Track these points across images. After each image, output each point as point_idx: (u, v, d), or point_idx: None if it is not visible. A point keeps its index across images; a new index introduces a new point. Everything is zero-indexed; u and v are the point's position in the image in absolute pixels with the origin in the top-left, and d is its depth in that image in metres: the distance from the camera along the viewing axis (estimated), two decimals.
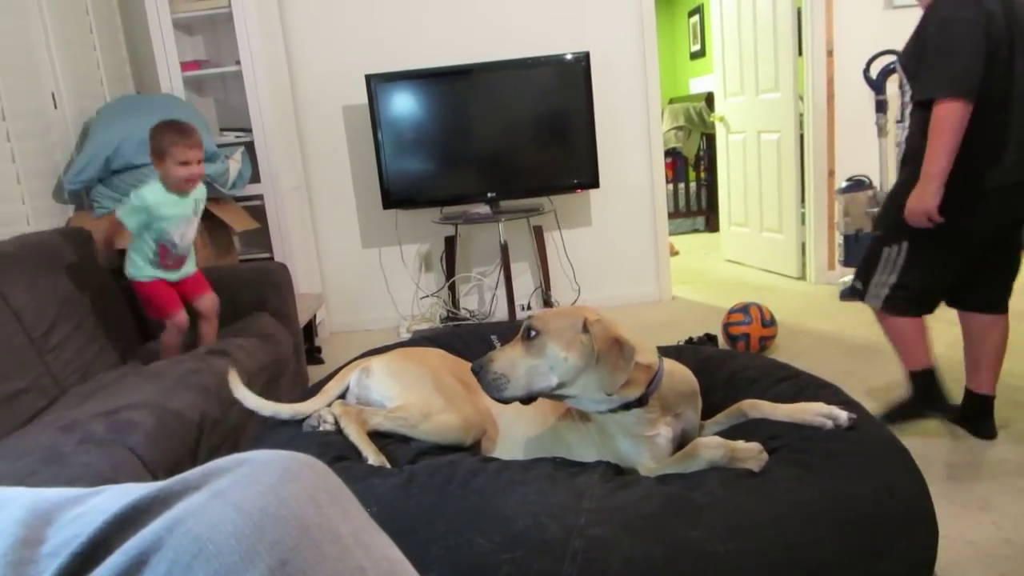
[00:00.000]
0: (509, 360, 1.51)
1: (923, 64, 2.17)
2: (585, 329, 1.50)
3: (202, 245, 3.22)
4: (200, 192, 2.60)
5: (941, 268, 2.31)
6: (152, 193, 2.45)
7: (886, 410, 2.52)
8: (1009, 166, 2.15)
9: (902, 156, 2.40)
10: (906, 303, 2.36)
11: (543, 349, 1.50)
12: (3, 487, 0.58)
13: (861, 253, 3.81)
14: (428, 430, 1.69)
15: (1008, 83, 2.12)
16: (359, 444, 1.66)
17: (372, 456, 1.62)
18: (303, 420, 1.78)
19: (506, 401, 1.54)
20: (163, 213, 2.46)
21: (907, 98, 2.31)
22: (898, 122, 2.48)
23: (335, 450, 1.64)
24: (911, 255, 2.30)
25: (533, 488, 1.42)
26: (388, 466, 1.61)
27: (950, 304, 2.45)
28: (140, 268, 2.55)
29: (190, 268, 2.69)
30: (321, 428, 1.74)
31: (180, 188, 2.46)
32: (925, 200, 2.14)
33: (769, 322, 3.38)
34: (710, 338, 3.50)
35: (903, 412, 2.48)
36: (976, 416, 2.42)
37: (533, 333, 1.51)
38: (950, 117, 2.08)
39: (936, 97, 2.10)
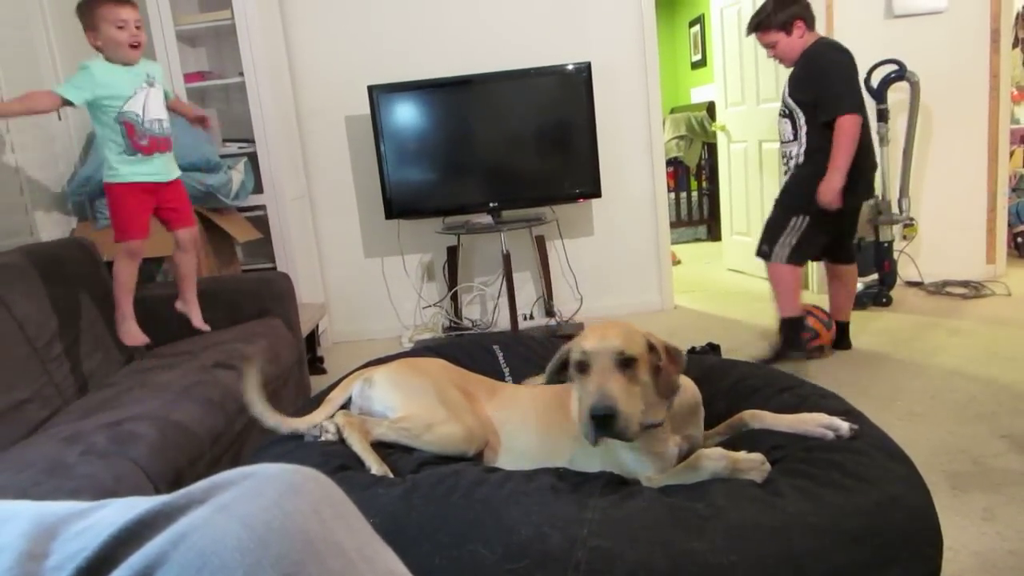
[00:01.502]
0: (627, 398, 1.40)
1: (826, 92, 3.03)
2: (650, 349, 1.49)
3: (205, 255, 3.23)
4: (151, 67, 2.40)
5: (824, 233, 3.17)
6: (96, 63, 2.27)
7: (766, 357, 3.18)
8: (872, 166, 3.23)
9: (802, 156, 3.16)
10: (799, 256, 3.17)
11: (638, 377, 1.44)
12: (7, 500, 0.58)
13: (863, 261, 3.88)
14: (431, 441, 1.69)
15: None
16: (362, 454, 1.66)
17: (375, 466, 1.62)
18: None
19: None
20: (111, 84, 2.26)
21: (801, 121, 3.14)
22: (784, 142, 3.30)
23: (338, 460, 1.63)
24: (810, 224, 3.11)
25: (536, 499, 1.42)
26: (391, 475, 1.61)
27: (831, 261, 3.42)
28: (113, 164, 2.32)
29: (172, 167, 2.46)
30: (323, 438, 1.74)
31: (125, 54, 2.27)
32: (836, 187, 2.98)
33: (829, 323, 3.40)
34: (712, 347, 3.49)
35: (776, 358, 3.15)
36: (841, 337, 3.43)
37: (630, 362, 1.43)
38: (855, 127, 2.98)
39: (841, 114, 2.96)
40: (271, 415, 1.80)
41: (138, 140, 2.31)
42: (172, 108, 2.51)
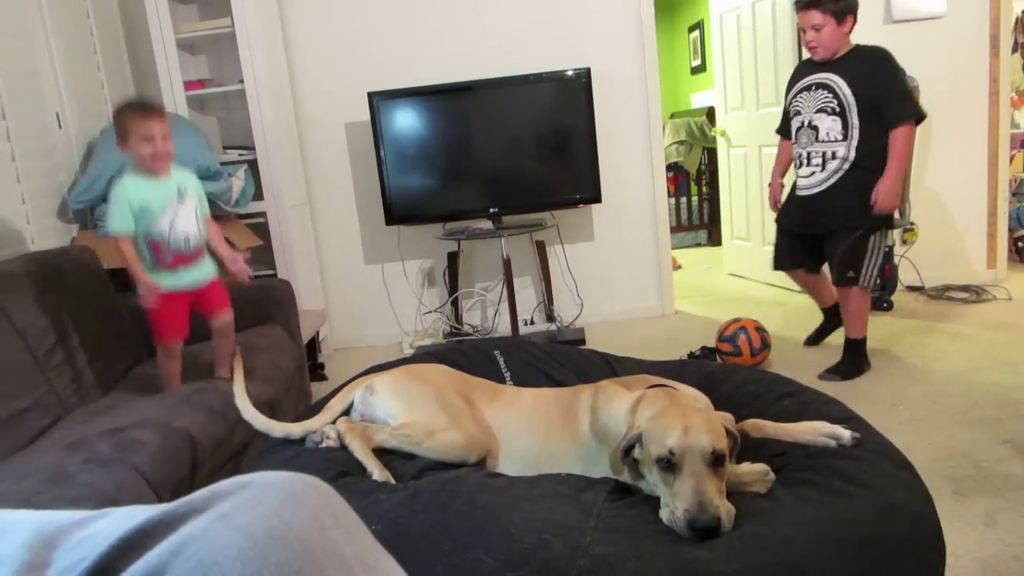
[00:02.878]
0: (722, 499, 1.35)
1: (895, 96, 2.98)
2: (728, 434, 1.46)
3: None
4: (184, 178, 2.43)
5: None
6: (127, 180, 2.31)
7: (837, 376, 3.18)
8: None
9: (853, 155, 3.02)
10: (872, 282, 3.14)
11: (727, 469, 1.41)
12: (8, 510, 0.58)
13: None
14: (432, 448, 1.69)
15: None
16: (364, 460, 1.66)
17: (377, 472, 1.62)
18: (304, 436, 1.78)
19: None
20: (143, 201, 2.29)
21: (855, 120, 3.00)
22: (827, 141, 3.09)
23: (339, 466, 1.63)
24: (881, 240, 3.11)
25: (539, 505, 1.41)
26: (393, 481, 1.60)
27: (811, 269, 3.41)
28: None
29: (204, 272, 2.49)
30: (324, 444, 1.74)
31: (150, 168, 2.31)
32: (898, 189, 3.00)
33: (758, 349, 3.35)
34: (712, 351, 3.49)
35: (850, 375, 3.17)
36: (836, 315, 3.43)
37: (721, 460, 1.39)
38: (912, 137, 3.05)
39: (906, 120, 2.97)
40: (262, 419, 1.80)
41: (164, 257, 2.35)
42: (209, 230, 2.53)
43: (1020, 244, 4.92)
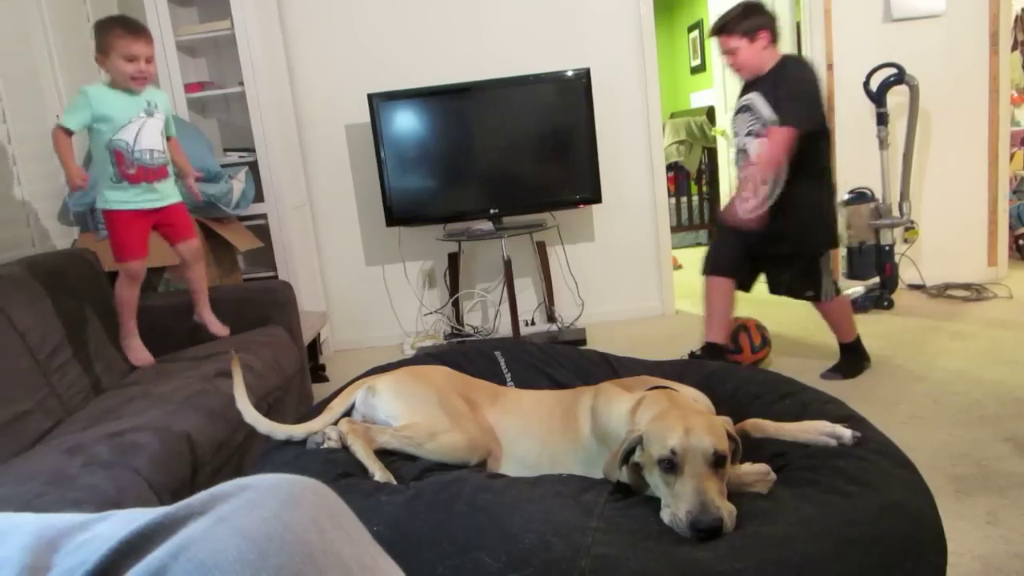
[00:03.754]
0: (723, 500, 1.35)
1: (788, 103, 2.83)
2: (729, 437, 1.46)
3: (206, 264, 3.23)
4: (156, 95, 2.40)
5: None
6: (94, 88, 2.27)
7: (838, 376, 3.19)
8: None
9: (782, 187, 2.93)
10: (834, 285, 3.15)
11: (727, 471, 1.41)
12: (9, 513, 0.58)
13: (865, 265, 3.88)
14: (434, 449, 1.69)
15: None
16: (365, 461, 1.66)
17: (379, 473, 1.62)
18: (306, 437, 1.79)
19: None
20: (107, 111, 2.25)
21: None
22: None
23: (340, 467, 1.63)
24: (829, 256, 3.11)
25: (540, 506, 1.41)
26: (395, 482, 1.61)
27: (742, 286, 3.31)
28: (102, 191, 2.35)
29: (168, 192, 2.44)
30: (326, 445, 1.74)
31: (127, 85, 2.27)
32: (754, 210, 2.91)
33: (759, 346, 3.36)
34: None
35: (852, 374, 3.18)
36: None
37: (723, 461, 1.39)
38: (790, 141, 2.79)
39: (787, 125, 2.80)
40: (264, 421, 1.80)
41: (126, 168, 2.30)
42: (173, 149, 2.52)
43: (1021, 242, 4.92)
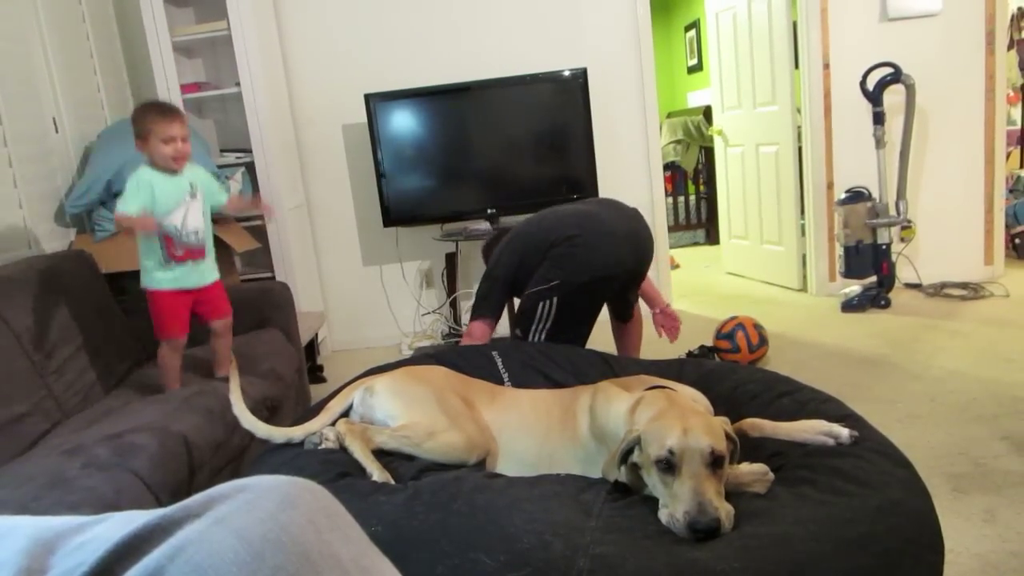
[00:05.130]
0: (721, 501, 1.35)
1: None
2: (727, 438, 1.46)
3: None
4: (197, 175, 2.48)
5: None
6: (145, 172, 2.36)
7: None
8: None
9: None
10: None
11: (725, 471, 1.41)
12: (6, 516, 0.58)
13: (862, 264, 3.91)
14: (432, 449, 1.69)
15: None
16: (364, 461, 1.66)
17: (377, 472, 1.62)
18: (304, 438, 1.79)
19: None
20: (158, 195, 2.35)
21: None
22: None
23: (338, 467, 1.63)
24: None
25: (538, 506, 1.41)
26: (393, 482, 1.60)
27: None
28: (150, 272, 2.41)
29: (209, 272, 2.53)
30: (323, 445, 1.74)
31: (168, 166, 2.36)
32: None
33: (757, 345, 3.36)
34: (710, 350, 3.50)
35: None
36: None
37: (720, 461, 1.38)
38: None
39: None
40: (261, 426, 1.80)
41: (174, 251, 2.40)
42: (231, 207, 2.69)
43: (1017, 240, 4.92)
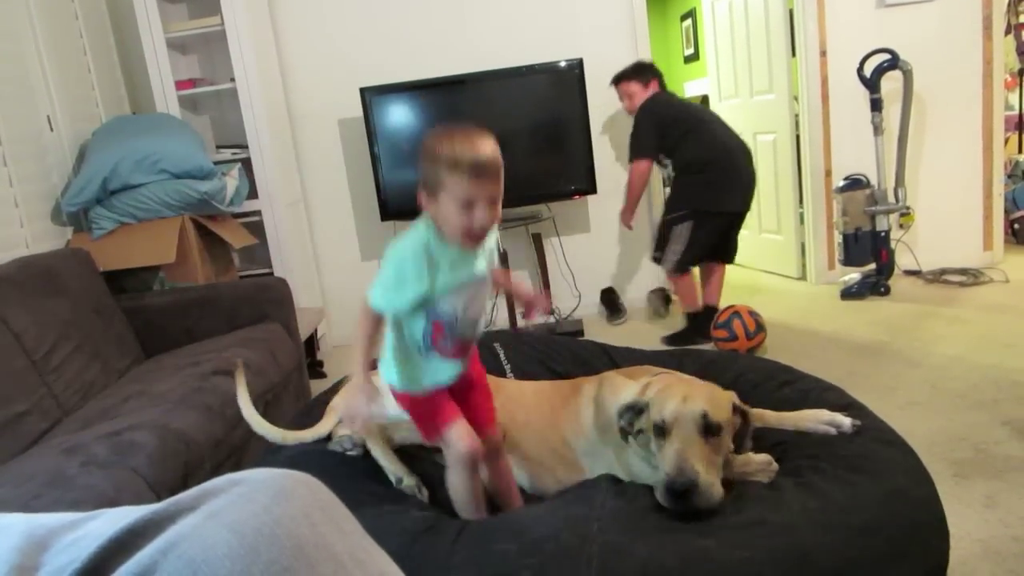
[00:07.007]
0: (708, 467, 1.33)
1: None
2: (734, 411, 1.45)
3: (201, 262, 3.23)
4: (492, 238, 1.65)
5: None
6: (430, 236, 1.53)
7: (667, 336, 3.77)
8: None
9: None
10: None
11: (723, 443, 1.39)
12: (0, 513, 0.57)
13: (861, 251, 3.93)
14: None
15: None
16: (389, 466, 1.65)
17: (405, 477, 1.62)
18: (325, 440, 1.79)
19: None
20: (444, 278, 1.52)
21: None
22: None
23: (337, 461, 1.65)
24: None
25: (545, 504, 1.46)
26: (421, 486, 1.61)
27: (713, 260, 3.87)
28: (395, 362, 1.58)
29: (468, 360, 1.66)
30: (352, 452, 1.74)
31: (462, 244, 1.52)
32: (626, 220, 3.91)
33: (754, 332, 3.35)
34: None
35: (680, 339, 3.70)
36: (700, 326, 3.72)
37: (715, 429, 1.37)
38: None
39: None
40: (275, 430, 1.81)
41: (440, 343, 1.56)
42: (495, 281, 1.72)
43: (1016, 226, 4.92)
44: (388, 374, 1.59)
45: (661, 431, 1.39)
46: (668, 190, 3.81)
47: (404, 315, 1.53)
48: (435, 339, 1.55)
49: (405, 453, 1.75)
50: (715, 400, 1.41)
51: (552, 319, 4.37)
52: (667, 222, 3.69)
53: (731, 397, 1.47)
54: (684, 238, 3.62)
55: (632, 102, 3.76)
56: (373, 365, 1.59)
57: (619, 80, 3.80)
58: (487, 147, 1.51)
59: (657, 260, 3.75)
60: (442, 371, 1.57)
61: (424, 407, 1.59)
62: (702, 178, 3.60)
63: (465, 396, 1.63)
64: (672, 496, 1.30)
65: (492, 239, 1.65)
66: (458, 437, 1.53)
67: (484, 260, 1.58)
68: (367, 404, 1.42)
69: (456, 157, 1.44)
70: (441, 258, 1.49)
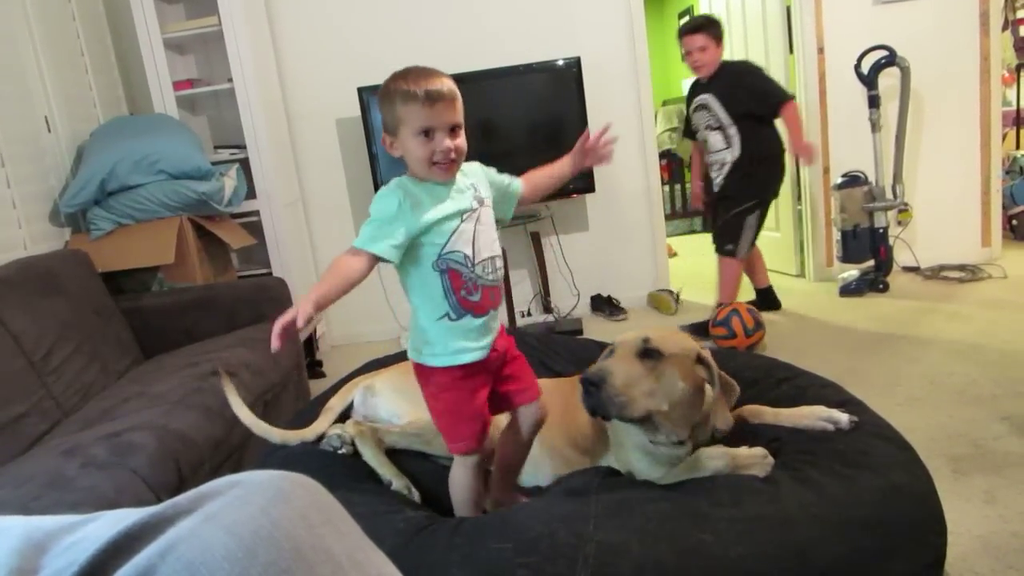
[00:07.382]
0: (629, 377, 1.40)
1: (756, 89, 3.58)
2: (698, 361, 1.50)
3: (199, 262, 3.23)
4: (474, 171, 1.64)
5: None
6: (403, 185, 1.49)
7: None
8: None
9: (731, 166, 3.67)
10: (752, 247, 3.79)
11: (664, 373, 1.44)
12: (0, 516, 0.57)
13: (859, 248, 3.94)
14: (442, 445, 1.69)
15: None
16: (379, 468, 1.65)
17: (395, 480, 1.62)
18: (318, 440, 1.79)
19: (610, 418, 1.44)
20: (429, 213, 1.46)
21: (730, 131, 3.62)
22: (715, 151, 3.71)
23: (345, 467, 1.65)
24: (760, 215, 3.70)
25: (540, 502, 1.46)
26: (412, 488, 1.61)
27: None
28: (430, 340, 1.51)
29: (498, 326, 1.59)
30: (342, 450, 1.74)
31: (432, 176, 1.49)
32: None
33: (753, 329, 3.35)
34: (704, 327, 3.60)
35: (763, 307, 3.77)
36: (771, 300, 4.00)
37: (654, 354, 1.44)
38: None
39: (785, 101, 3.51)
40: (275, 431, 1.81)
41: (465, 294, 1.48)
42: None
43: (1014, 222, 4.92)
44: (425, 352, 1.51)
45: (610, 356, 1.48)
46: (721, 179, 3.71)
47: (413, 275, 1.49)
48: (458, 293, 1.47)
49: (395, 453, 1.75)
50: (669, 336, 1.49)
51: (551, 318, 4.38)
52: (739, 213, 3.66)
53: (696, 347, 1.53)
54: (754, 227, 3.67)
55: (705, 55, 3.59)
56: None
57: (698, 29, 3.59)
58: (440, 79, 1.53)
59: (730, 252, 3.70)
60: (480, 333, 1.49)
61: (446, 404, 1.52)
62: (769, 169, 3.65)
63: (503, 372, 1.58)
64: (583, 387, 1.40)
65: (476, 170, 1.64)
66: (469, 453, 1.51)
67: (470, 194, 1.53)
68: (301, 321, 1.37)
69: (409, 88, 1.47)
70: (422, 195, 1.47)
